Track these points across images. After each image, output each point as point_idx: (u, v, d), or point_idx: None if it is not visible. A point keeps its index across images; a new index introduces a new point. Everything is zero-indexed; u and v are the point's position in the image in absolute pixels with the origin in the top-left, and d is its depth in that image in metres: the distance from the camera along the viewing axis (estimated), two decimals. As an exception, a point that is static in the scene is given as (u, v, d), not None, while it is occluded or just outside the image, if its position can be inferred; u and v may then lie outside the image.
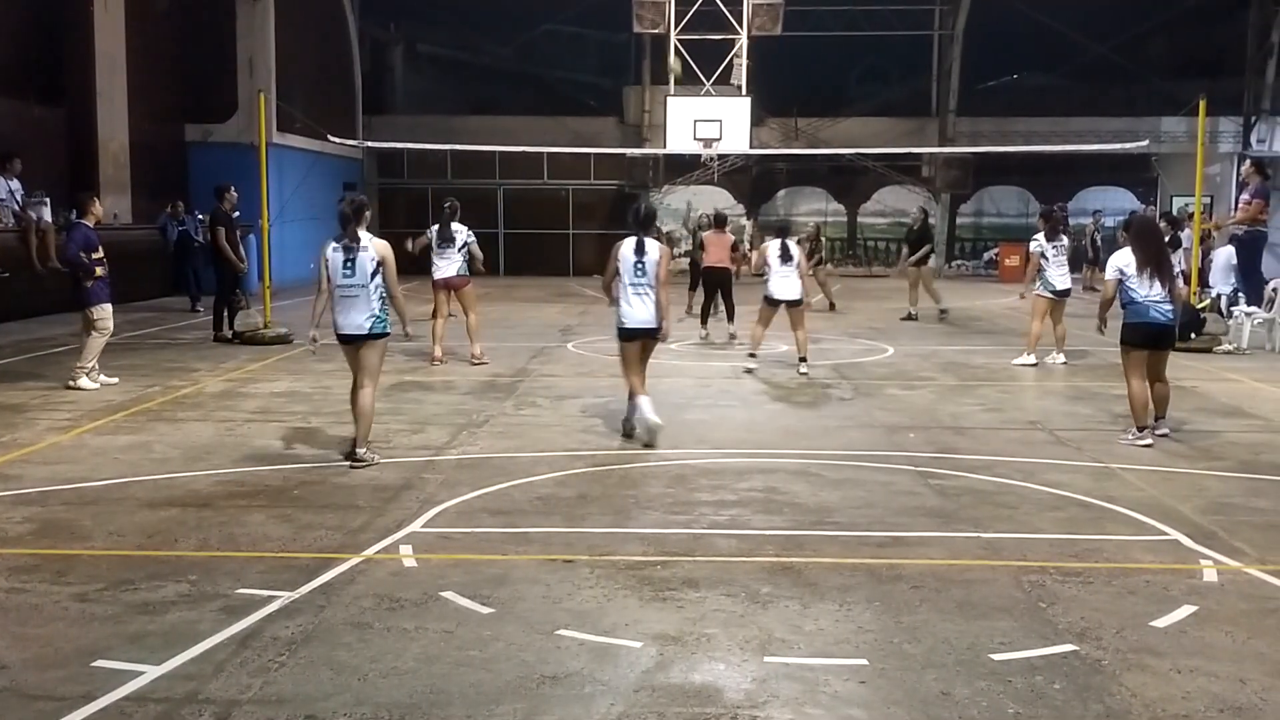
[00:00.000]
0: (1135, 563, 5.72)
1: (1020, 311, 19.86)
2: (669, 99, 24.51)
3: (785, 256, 12.02)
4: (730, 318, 15.37)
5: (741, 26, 24.95)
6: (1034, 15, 26.14)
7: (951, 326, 17.22)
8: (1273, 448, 8.54)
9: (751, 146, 24.98)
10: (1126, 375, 8.67)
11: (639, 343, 8.65)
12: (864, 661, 4.44)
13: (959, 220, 30.88)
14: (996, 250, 30.10)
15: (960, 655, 4.51)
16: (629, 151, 28.08)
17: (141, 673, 4.27)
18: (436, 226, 12.81)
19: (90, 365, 10.83)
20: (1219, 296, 16.42)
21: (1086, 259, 24.47)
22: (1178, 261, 13.10)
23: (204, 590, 5.20)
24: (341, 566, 5.54)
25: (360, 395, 7.78)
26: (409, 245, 12.75)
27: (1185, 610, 5.00)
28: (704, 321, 15.65)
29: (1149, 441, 8.46)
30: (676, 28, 25.27)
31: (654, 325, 8.55)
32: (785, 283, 12.02)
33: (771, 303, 12.15)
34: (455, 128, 27.95)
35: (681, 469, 7.73)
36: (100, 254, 10.94)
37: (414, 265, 12.45)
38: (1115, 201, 29.56)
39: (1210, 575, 5.52)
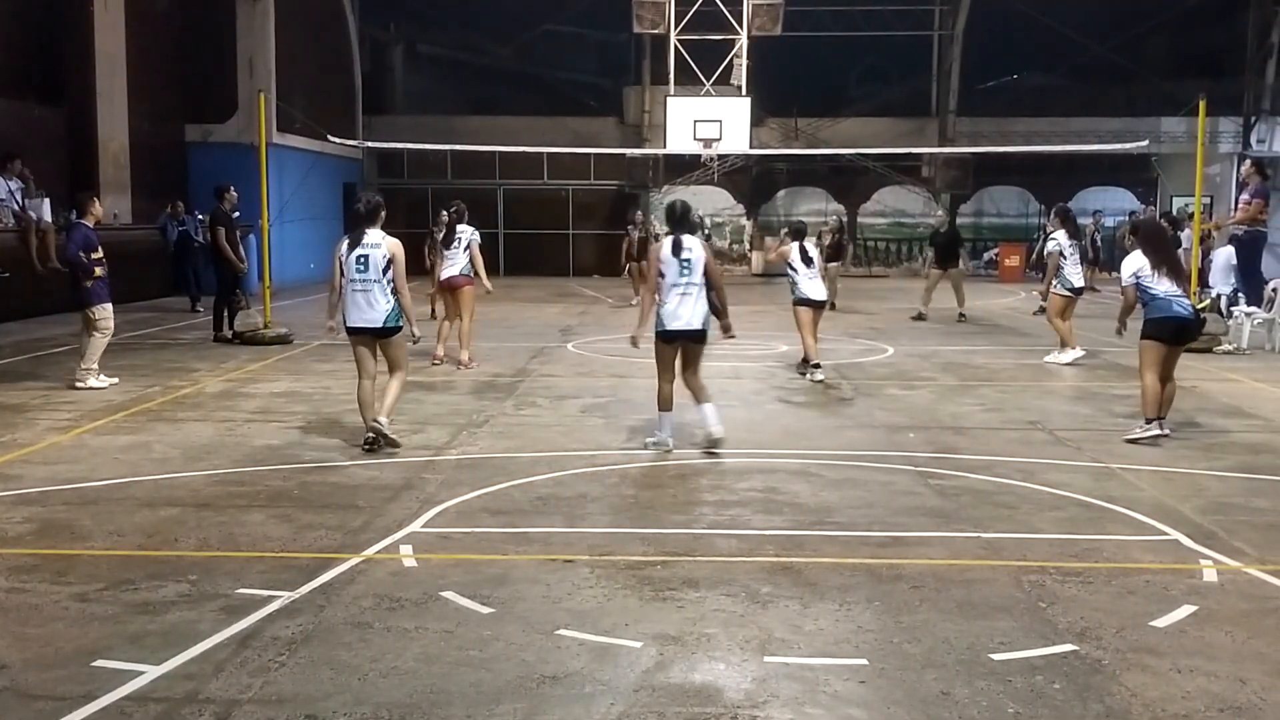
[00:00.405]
0: (1135, 563, 5.72)
1: (1021, 312, 19.90)
2: (669, 99, 24.53)
3: (806, 260, 11.78)
4: None
5: (741, 27, 24.97)
6: (1034, 15, 26.15)
7: (952, 327, 17.20)
8: (1272, 448, 8.55)
9: (751, 147, 25.00)
10: (1142, 369, 8.68)
11: (678, 346, 8.16)
12: (864, 661, 4.44)
13: (959, 220, 30.87)
14: (996, 250, 30.12)
15: (960, 655, 4.51)
16: (629, 152, 28.09)
17: (141, 672, 4.27)
18: (443, 230, 12.78)
19: (93, 365, 10.83)
20: (1219, 297, 16.43)
21: (1086, 259, 24.44)
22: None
23: (204, 590, 5.20)
24: (341, 566, 5.54)
25: (390, 379, 8.27)
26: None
27: (1185, 610, 5.00)
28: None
29: (1164, 432, 8.49)
30: (676, 28, 25.29)
31: (698, 327, 8.09)
32: (814, 284, 11.78)
33: (808, 304, 11.74)
34: (455, 128, 27.96)
35: (681, 469, 7.74)
36: (100, 254, 10.94)
37: (417, 266, 12.44)
38: (1115, 202, 29.58)
39: (1210, 575, 5.52)
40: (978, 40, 28.32)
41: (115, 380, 11.01)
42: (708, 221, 30.06)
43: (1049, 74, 28.95)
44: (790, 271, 11.82)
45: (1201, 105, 15.11)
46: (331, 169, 26.27)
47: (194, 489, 7.10)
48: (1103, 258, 25.27)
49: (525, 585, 5.29)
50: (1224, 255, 16.62)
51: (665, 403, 8.21)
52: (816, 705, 4.07)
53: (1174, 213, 22.86)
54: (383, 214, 8.27)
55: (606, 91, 30.67)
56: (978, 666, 4.40)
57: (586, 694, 4.14)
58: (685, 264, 8.05)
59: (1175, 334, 8.63)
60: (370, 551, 5.80)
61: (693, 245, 8.15)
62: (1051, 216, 14.42)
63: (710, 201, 30.75)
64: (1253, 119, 28.09)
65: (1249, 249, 15.46)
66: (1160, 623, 4.86)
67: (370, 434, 8.14)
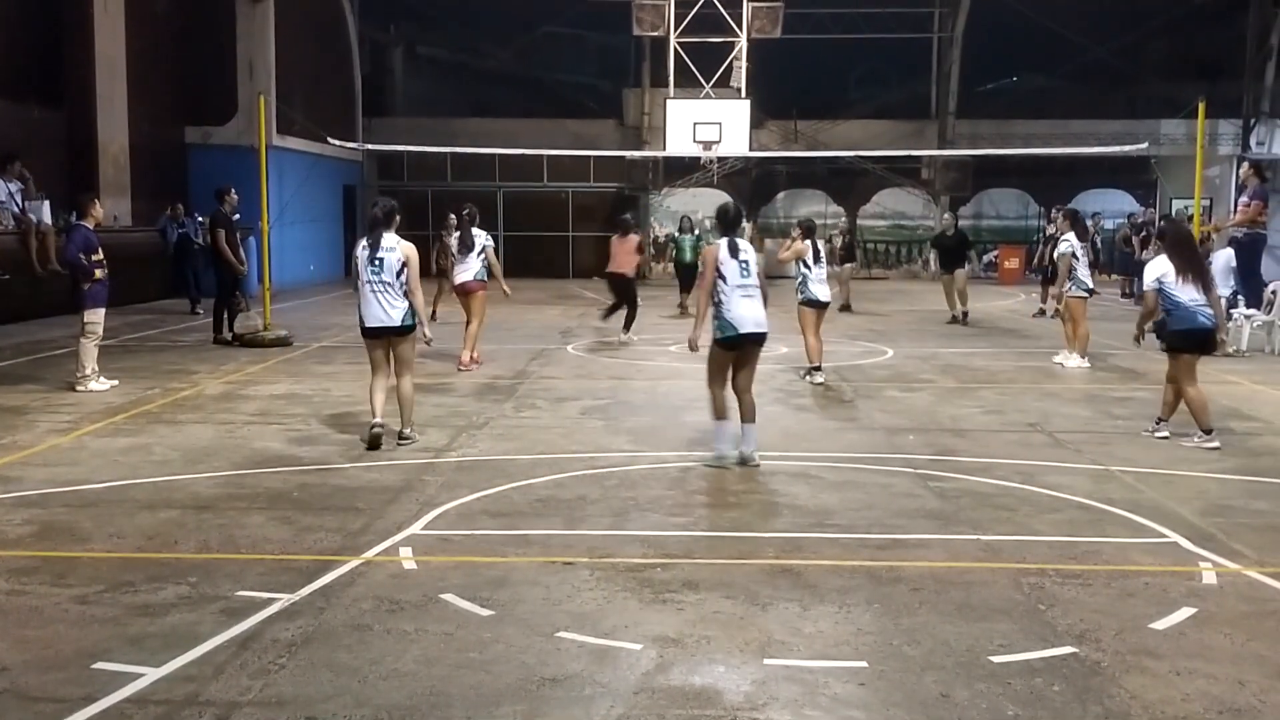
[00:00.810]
0: (1134, 565, 5.72)
1: (1021, 315, 19.91)
2: (669, 101, 24.55)
3: (818, 258, 11.71)
4: (628, 326, 15.32)
5: (741, 29, 25.00)
6: (1033, 18, 26.17)
7: (952, 330, 17.20)
8: (1272, 450, 8.55)
9: (751, 149, 25.02)
10: (1181, 381, 8.61)
11: (743, 350, 7.88)
12: (863, 664, 4.45)
13: (959, 223, 30.87)
14: (996, 253, 30.13)
15: (960, 657, 4.51)
16: (629, 154, 28.10)
17: (142, 675, 4.27)
18: (458, 233, 12.81)
19: (90, 369, 10.83)
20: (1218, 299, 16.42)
21: (1089, 261, 24.48)
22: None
23: (204, 592, 5.20)
24: (341, 569, 5.54)
25: (400, 384, 8.45)
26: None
27: (1184, 612, 5.01)
28: (628, 327, 15.41)
29: (1217, 444, 8.45)
30: (676, 30, 25.31)
31: (766, 329, 7.89)
32: (823, 286, 11.73)
33: (815, 305, 11.65)
34: (455, 130, 27.98)
35: (681, 471, 7.74)
36: (100, 256, 10.92)
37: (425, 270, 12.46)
38: (1115, 204, 29.60)
39: (1209, 577, 5.52)
40: (977, 42, 28.34)
41: (115, 383, 11.01)
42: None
43: (1048, 76, 28.96)
44: (803, 270, 11.70)
45: (1201, 108, 15.13)
46: (331, 171, 26.28)
47: (194, 491, 7.11)
48: (1102, 260, 25.29)
49: (525, 587, 5.29)
50: (1223, 257, 16.62)
51: (721, 411, 7.89)
52: (816, 708, 4.08)
53: (1174, 215, 22.88)
54: (398, 218, 8.53)
55: (606, 94, 30.68)
56: (977, 669, 4.40)
57: (586, 696, 4.14)
58: (744, 265, 7.80)
59: (1198, 344, 8.58)
60: (370, 554, 5.81)
61: (746, 246, 7.96)
62: (1059, 218, 14.40)
63: (709, 204, 30.68)
64: (1252, 121, 28.10)
65: (1248, 251, 15.47)
66: (1159, 625, 4.87)
67: (375, 429, 8.29)
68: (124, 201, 20.63)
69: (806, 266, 11.63)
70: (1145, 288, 8.79)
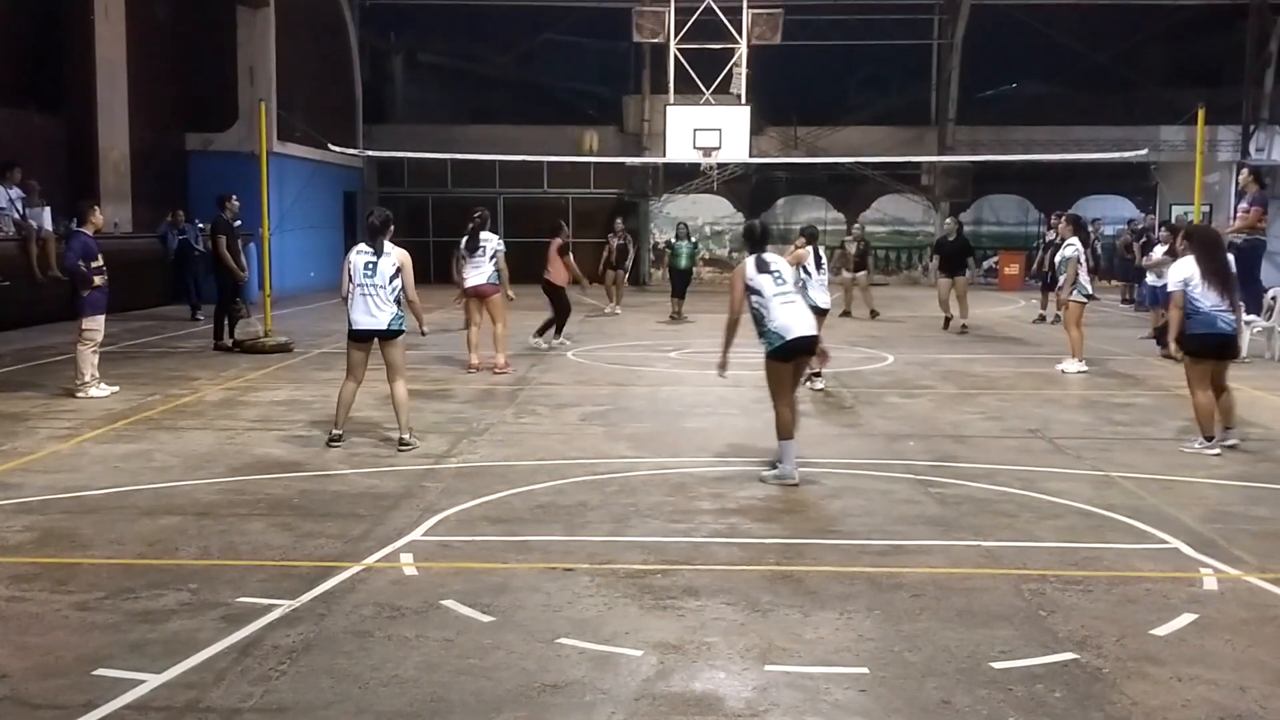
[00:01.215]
0: (1135, 571, 5.72)
1: (1021, 321, 19.91)
2: (668, 108, 24.56)
3: (819, 264, 11.72)
4: (558, 330, 15.36)
5: (741, 36, 25.01)
6: (1033, 24, 26.22)
7: (952, 336, 17.20)
8: (1272, 456, 8.55)
9: (751, 155, 25.03)
10: (1192, 387, 8.60)
11: (796, 361, 7.73)
12: (864, 670, 4.44)
13: (962, 228, 30.87)
14: (996, 259, 30.14)
15: (961, 663, 4.51)
16: (628, 160, 28.12)
17: (142, 681, 4.27)
18: (465, 237, 12.88)
19: (90, 375, 10.83)
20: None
21: (1088, 267, 24.49)
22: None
23: (205, 599, 5.20)
24: (342, 575, 5.54)
25: (394, 390, 8.64)
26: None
27: (1185, 618, 5.01)
28: (542, 333, 15.41)
29: (1218, 451, 8.44)
30: (676, 37, 25.33)
31: (816, 332, 7.74)
32: (823, 292, 11.72)
33: (815, 312, 11.68)
34: (455, 136, 28.01)
35: (681, 477, 7.74)
36: (100, 263, 10.91)
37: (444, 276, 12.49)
38: (1114, 210, 29.60)
39: (1210, 583, 5.52)
40: (977, 49, 28.38)
41: (115, 389, 11.01)
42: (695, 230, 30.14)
43: (1048, 82, 28.98)
44: (803, 276, 11.70)
45: (1200, 114, 15.14)
46: (332, 178, 26.29)
47: (194, 497, 7.11)
48: (1103, 266, 25.29)
49: (525, 594, 5.29)
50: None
51: (787, 429, 7.59)
52: (817, 714, 4.08)
53: (1174, 221, 22.88)
54: (392, 227, 8.78)
55: (606, 100, 30.71)
56: (978, 675, 4.40)
57: (587, 703, 4.14)
58: (777, 275, 7.67)
59: (1217, 350, 8.55)
60: (371, 560, 5.81)
61: (775, 258, 7.84)
62: (1061, 223, 14.37)
63: (710, 210, 30.78)
64: (1251, 127, 28.12)
65: (1248, 257, 15.45)
66: (1160, 631, 4.86)
67: (337, 435, 8.65)
68: (125, 208, 20.65)
69: (807, 273, 11.61)
70: (1170, 289, 8.67)
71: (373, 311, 8.49)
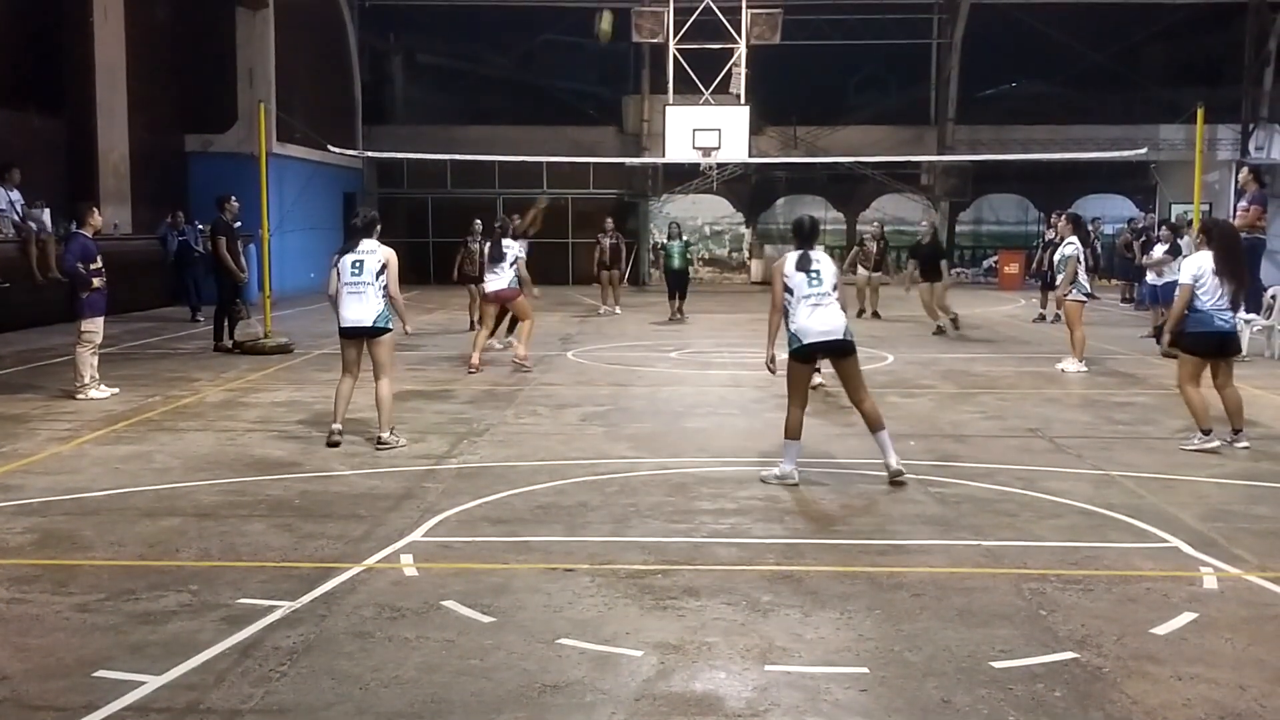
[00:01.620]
0: (1135, 570, 5.72)
1: (1021, 320, 19.91)
2: (668, 108, 24.58)
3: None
4: (510, 329, 15.35)
5: (740, 36, 25.03)
6: (1032, 23, 26.22)
7: (952, 336, 17.19)
8: (1272, 455, 8.55)
9: (750, 155, 25.04)
10: (1182, 383, 8.63)
11: (814, 364, 7.54)
12: (865, 670, 4.44)
13: (958, 228, 30.92)
14: (996, 258, 30.15)
15: (961, 663, 4.51)
16: (628, 160, 28.13)
17: (143, 683, 4.27)
18: (489, 244, 13.21)
19: (89, 377, 10.82)
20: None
21: (1087, 266, 24.50)
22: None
23: (205, 600, 5.20)
24: (342, 576, 5.54)
25: (377, 387, 8.70)
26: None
27: (1186, 617, 5.01)
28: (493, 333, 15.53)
29: (1217, 443, 8.46)
30: (675, 37, 25.34)
31: (841, 336, 7.55)
32: None
33: None
34: (455, 137, 28.02)
35: (681, 477, 7.74)
36: (99, 264, 10.90)
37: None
38: (1114, 209, 29.63)
39: (1210, 582, 5.52)
40: (976, 48, 28.39)
41: (116, 390, 11.01)
42: (698, 228, 30.12)
43: (1047, 82, 29.00)
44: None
45: (1200, 113, 15.16)
46: (331, 179, 26.29)
47: (195, 499, 7.11)
48: (1102, 265, 25.30)
49: (526, 594, 5.29)
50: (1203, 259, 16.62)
51: (794, 430, 7.54)
52: (818, 714, 4.08)
53: (1173, 220, 22.88)
54: (378, 227, 8.98)
55: (605, 101, 30.72)
56: (978, 674, 4.40)
57: (587, 703, 4.14)
58: (814, 275, 7.55)
59: (1217, 348, 8.57)
60: (371, 561, 5.81)
61: (821, 258, 7.69)
62: (1061, 222, 14.36)
63: (709, 210, 30.80)
64: (1250, 126, 28.14)
65: (1248, 256, 15.44)
66: (1161, 630, 4.86)
67: (336, 430, 8.72)
68: (124, 209, 20.65)
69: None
70: (1181, 281, 8.64)
71: (358, 308, 8.62)
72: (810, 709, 4.11)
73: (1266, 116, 28.15)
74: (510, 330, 15.42)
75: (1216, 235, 8.79)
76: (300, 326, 17.10)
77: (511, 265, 12.91)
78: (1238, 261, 8.63)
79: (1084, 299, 12.98)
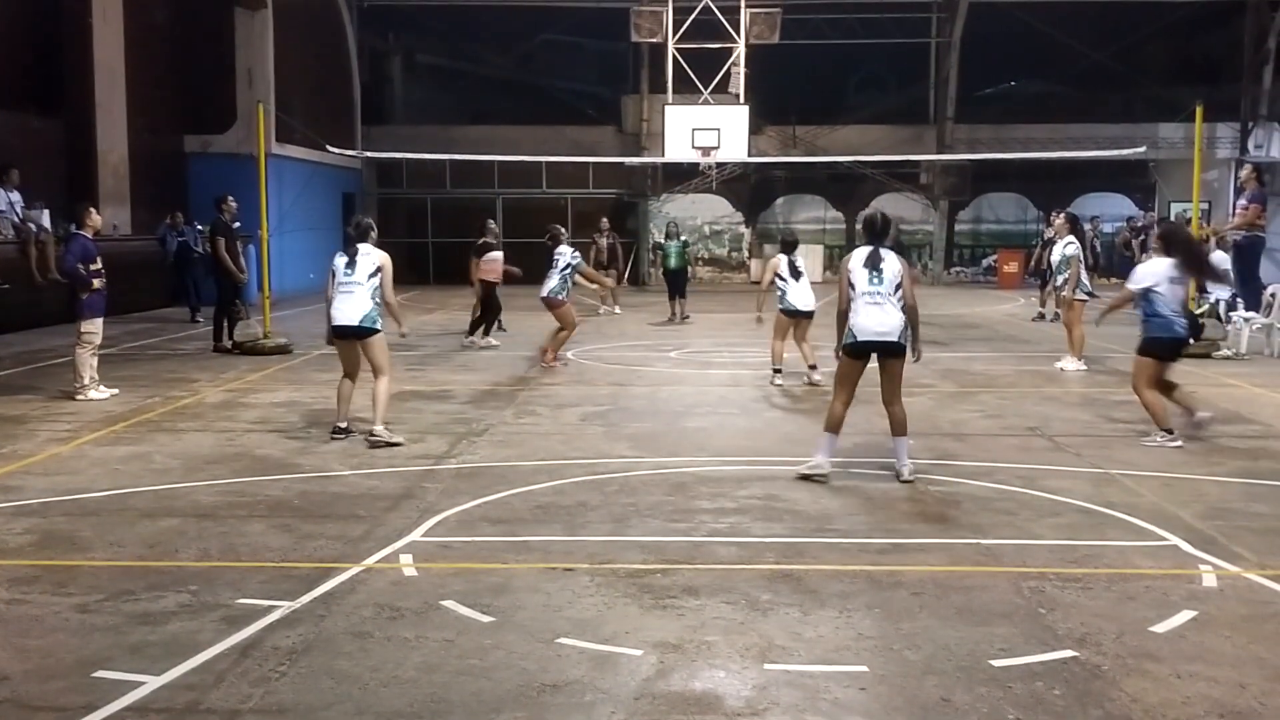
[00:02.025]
0: (1135, 568, 5.72)
1: (1020, 319, 19.91)
2: (667, 108, 24.57)
3: (795, 273, 11.83)
4: (487, 328, 15.71)
5: (739, 35, 25.01)
6: (1031, 22, 26.21)
7: (951, 334, 17.19)
8: (1272, 453, 8.55)
9: (750, 154, 25.02)
10: (1139, 387, 8.78)
11: (864, 361, 7.64)
12: (864, 668, 4.45)
13: (957, 227, 30.91)
14: (995, 257, 30.14)
15: (960, 661, 4.51)
16: (627, 160, 28.12)
17: (142, 683, 4.27)
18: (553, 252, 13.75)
19: (89, 378, 10.82)
20: (1217, 302, 16.43)
21: (1086, 265, 24.51)
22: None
23: (204, 600, 5.21)
24: (342, 576, 5.55)
25: (375, 384, 8.81)
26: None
27: (1185, 615, 5.01)
28: (473, 332, 15.64)
29: (1179, 443, 8.57)
30: (674, 37, 25.33)
31: (895, 339, 7.53)
32: (806, 295, 11.83)
33: (790, 314, 11.82)
34: (454, 137, 28.01)
35: (681, 476, 7.74)
36: (98, 265, 10.89)
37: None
38: (1113, 208, 29.63)
39: (1210, 580, 5.52)
40: (975, 47, 28.36)
41: (115, 391, 11.01)
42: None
43: (1046, 81, 28.99)
44: (780, 283, 11.92)
45: (1199, 111, 15.14)
46: (331, 179, 26.29)
47: (194, 499, 7.11)
48: (1101, 264, 25.30)
49: (525, 594, 5.29)
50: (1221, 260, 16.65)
51: (834, 424, 7.57)
52: (817, 712, 4.08)
53: (1171, 218, 22.90)
54: (373, 234, 9.13)
55: (605, 100, 30.72)
56: (978, 673, 4.40)
57: (587, 702, 4.14)
58: (876, 273, 7.53)
59: (1173, 352, 8.83)
60: (370, 561, 5.81)
61: (888, 257, 7.63)
62: (1060, 222, 14.38)
63: (709, 210, 30.78)
64: (1250, 124, 28.11)
65: (1247, 254, 15.49)
66: (1160, 628, 4.87)
67: (340, 426, 8.94)
68: (123, 210, 20.65)
69: (783, 279, 11.86)
70: (1132, 286, 8.83)
71: (347, 308, 8.73)
72: (810, 708, 4.11)
73: (1265, 115, 28.12)
74: (488, 330, 15.57)
75: (1177, 244, 8.96)
76: (299, 327, 17.08)
77: (561, 272, 13.34)
78: (1200, 258, 8.93)
79: (1085, 297, 13.00)
